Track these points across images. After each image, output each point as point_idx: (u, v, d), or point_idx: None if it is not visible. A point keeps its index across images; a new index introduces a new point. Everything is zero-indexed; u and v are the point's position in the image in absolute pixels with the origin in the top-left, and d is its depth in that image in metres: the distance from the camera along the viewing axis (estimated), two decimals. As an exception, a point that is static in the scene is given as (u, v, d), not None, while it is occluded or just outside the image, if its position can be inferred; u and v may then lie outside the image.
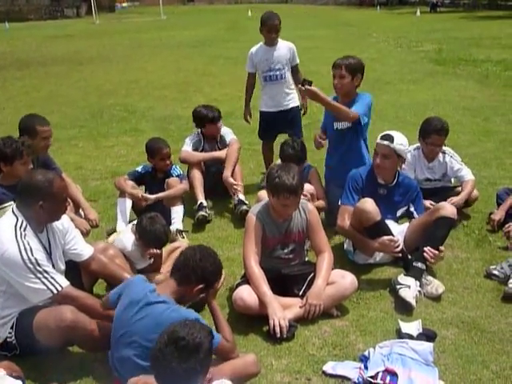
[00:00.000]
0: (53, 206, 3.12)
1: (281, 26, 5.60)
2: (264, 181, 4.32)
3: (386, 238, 3.87)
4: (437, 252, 3.82)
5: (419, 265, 3.85)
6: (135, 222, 4.18)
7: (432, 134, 4.84)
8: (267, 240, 3.68)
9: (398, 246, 3.88)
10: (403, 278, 3.80)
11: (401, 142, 4.12)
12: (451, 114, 8.26)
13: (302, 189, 3.61)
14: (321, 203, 4.74)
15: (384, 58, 15.11)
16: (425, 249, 3.84)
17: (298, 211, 3.74)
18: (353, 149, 4.78)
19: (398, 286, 3.76)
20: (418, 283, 3.78)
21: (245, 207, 4.99)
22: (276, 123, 5.77)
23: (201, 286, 2.87)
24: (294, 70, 5.76)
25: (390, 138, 4.08)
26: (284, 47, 5.68)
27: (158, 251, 3.97)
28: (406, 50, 16.73)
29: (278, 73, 5.63)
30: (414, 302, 3.64)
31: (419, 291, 3.77)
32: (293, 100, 5.77)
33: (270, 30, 5.56)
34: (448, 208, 3.99)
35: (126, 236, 4.08)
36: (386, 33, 21.25)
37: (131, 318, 2.73)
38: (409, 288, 3.71)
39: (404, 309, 3.64)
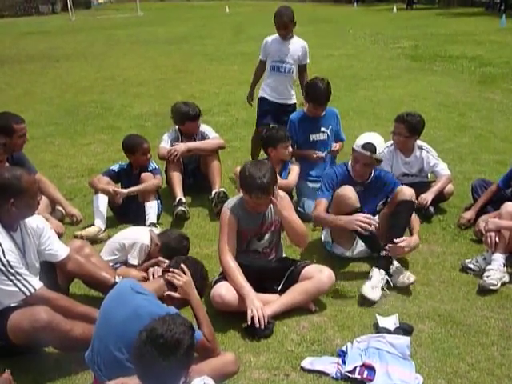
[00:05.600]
0: (24, 202, 3.05)
1: (293, 22, 5.71)
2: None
3: (361, 214, 3.86)
4: (392, 245, 3.85)
5: (383, 253, 3.90)
6: (151, 226, 4.46)
7: (394, 121, 4.99)
8: (242, 232, 3.68)
9: (371, 223, 3.80)
10: (371, 271, 3.86)
11: (381, 149, 4.16)
12: (427, 109, 8.33)
13: (273, 185, 3.57)
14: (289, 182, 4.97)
15: (361, 54, 15.17)
16: (386, 247, 3.89)
17: None
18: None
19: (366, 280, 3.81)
20: (382, 272, 3.81)
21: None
22: (273, 112, 5.87)
23: None
24: (302, 69, 5.91)
25: (373, 149, 4.04)
26: (297, 44, 5.84)
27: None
28: (383, 46, 16.83)
29: (286, 65, 5.78)
30: (372, 295, 3.67)
31: (387, 280, 3.81)
32: (292, 97, 5.95)
33: (279, 26, 5.73)
34: (406, 191, 4.04)
35: (143, 233, 4.10)
36: (363, 29, 21.33)
37: (117, 313, 2.69)
38: (370, 280, 3.76)
39: (366, 303, 3.67)
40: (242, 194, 3.71)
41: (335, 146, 5.30)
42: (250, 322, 3.33)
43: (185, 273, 3.03)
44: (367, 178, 4.26)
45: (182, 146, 5.22)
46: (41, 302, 2.97)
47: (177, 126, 5.49)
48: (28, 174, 3.16)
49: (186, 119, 5.37)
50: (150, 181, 4.90)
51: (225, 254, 3.57)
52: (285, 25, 5.67)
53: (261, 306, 3.38)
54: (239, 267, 3.55)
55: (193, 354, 2.33)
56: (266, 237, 3.77)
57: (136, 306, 2.66)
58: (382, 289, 3.77)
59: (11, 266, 2.94)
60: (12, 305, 3.01)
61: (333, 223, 4.08)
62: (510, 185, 4.71)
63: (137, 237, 4.04)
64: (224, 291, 3.49)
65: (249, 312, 3.34)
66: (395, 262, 3.94)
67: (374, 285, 3.72)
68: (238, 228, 3.65)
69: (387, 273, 3.85)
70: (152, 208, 4.86)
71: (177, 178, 5.21)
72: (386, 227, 4.06)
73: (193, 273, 3.06)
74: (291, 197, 4.84)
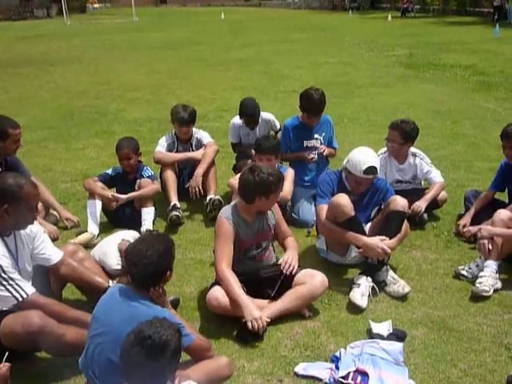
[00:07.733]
0: (19, 211, 3.02)
1: (259, 111, 5.63)
2: None
3: (379, 242, 3.89)
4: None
5: (370, 261, 3.95)
6: (124, 235, 4.12)
7: (388, 128, 5.02)
8: (242, 243, 3.65)
9: (388, 255, 3.93)
10: (356, 277, 3.89)
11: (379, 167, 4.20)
12: (421, 117, 8.38)
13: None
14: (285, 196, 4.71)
15: (356, 62, 15.25)
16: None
17: None
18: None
19: (353, 286, 3.83)
20: (369, 279, 3.84)
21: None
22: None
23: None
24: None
25: (375, 171, 4.10)
26: (263, 126, 5.77)
27: None
28: (378, 54, 16.92)
29: None
30: (361, 303, 3.69)
31: (372, 287, 3.83)
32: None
33: (246, 122, 5.69)
34: (399, 201, 4.05)
35: (109, 251, 3.97)
36: (358, 37, 21.46)
37: (113, 316, 2.68)
38: (358, 287, 3.78)
39: (355, 310, 3.68)
40: (234, 203, 3.72)
41: (322, 147, 5.26)
42: (248, 329, 3.31)
43: (165, 293, 2.90)
44: None
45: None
46: (33, 308, 2.96)
47: (173, 131, 5.50)
48: (32, 187, 3.11)
49: (175, 121, 5.39)
50: (148, 186, 4.89)
51: (221, 265, 3.52)
52: (251, 119, 5.66)
53: (260, 314, 3.35)
54: (235, 277, 3.52)
55: (179, 357, 2.33)
56: (264, 244, 3.77)
57: (133, 308, 2.66)
58: (368, 296, 3.79)
59: (4, 271, 2.93)
60: (4, 309, 3.00)
61: (345, 238, 4.03)
62: (502, 187, 4.81)
63: (102, 259, 3.95)
64: (220, 295, 3.48)
65: (249, 324, 3.30)
66: (391, 272, 3.96)
67: (363, 292, 3.75)
68: (236, 237, 3.61)
69: (374, 280, 3.87)
70: (149, 214, 4.84)
71: (172, 182, 5.21)
72: (376, 235, 4.07)
73: (163, 250, 2.82)
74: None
